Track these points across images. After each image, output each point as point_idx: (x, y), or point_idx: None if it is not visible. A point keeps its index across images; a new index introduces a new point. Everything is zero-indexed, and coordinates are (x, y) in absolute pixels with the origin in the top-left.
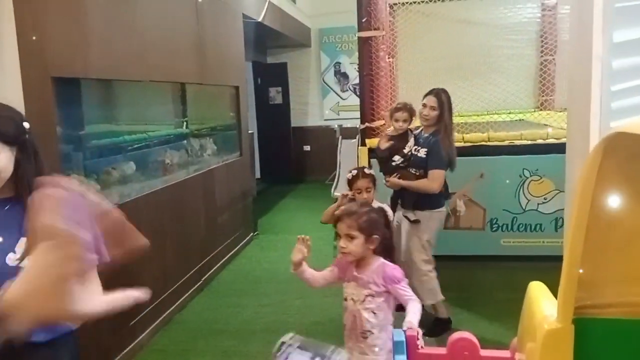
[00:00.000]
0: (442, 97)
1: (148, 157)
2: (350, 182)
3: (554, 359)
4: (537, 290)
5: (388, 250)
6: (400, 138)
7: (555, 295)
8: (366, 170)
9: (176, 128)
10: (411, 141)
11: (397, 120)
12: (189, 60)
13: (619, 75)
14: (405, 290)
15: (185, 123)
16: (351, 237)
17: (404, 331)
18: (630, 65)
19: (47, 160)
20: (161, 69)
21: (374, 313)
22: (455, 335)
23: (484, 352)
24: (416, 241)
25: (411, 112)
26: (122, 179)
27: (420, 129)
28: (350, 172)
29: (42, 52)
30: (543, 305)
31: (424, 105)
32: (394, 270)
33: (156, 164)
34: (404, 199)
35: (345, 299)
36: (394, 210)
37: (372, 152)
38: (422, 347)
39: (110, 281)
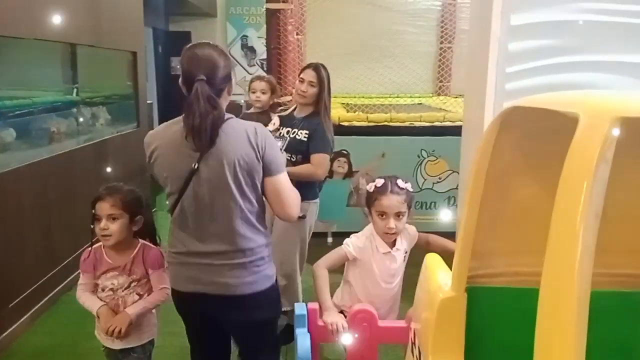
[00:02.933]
0: (322, 73)
1: (31, 125)
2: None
3: (449, 325)
4: (432, 262)
5: (150, 232)
6: (261, 116)
7: (450, 267)
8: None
9: (65, 94)
10: (275, 120)
11: (254, 92)
12: (81, 18)
13: (515, 58)
14: (162, 278)
15: (75, 89)
16: (114, 218)
17: (306, 304)
18: (526, 48)
19: None
20: (49, 27)
21: (139, 295)
22: (355, 307)
23: (382, 323)
24: (298, 237)
25: (271, 85)
26: (0, 147)
27: (292, 109)
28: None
29: None
30: (438, 275)
31: (302, 81)
32: (155, 253)
33: (41, 132)
34: None
35: (102, 290)
36: None
37: None
38: None
39: None
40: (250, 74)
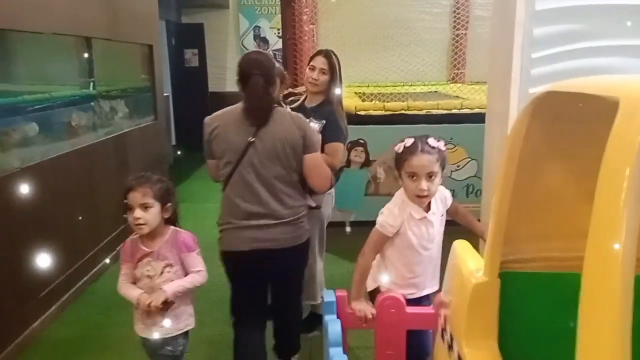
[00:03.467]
0: (332, 59)
1: (52, 119)
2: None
3: (482, 311)
4: (461, 248)
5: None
6: None
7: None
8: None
9: (83, 88)
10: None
11: None
12: (97, 12)
13: (540, 43)
14: (197, 260)
15: (92, 83)
16: (146, 207)
17: (334, 291)
18: (551, 32)
19: None
20: (66, 21)
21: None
22: (383, 294)
23: (410, 309)
24: (316, 232)
25: (281, 76)
26: (23, 141)
27: (302, 98)
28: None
29: None
30: (468, 261)
31: (312, 68)
32: (187, 236)
33: (61, 126)
34: None
35: (140, 279)
36: None
37: None
38: None
39: (15, 248)
40: None
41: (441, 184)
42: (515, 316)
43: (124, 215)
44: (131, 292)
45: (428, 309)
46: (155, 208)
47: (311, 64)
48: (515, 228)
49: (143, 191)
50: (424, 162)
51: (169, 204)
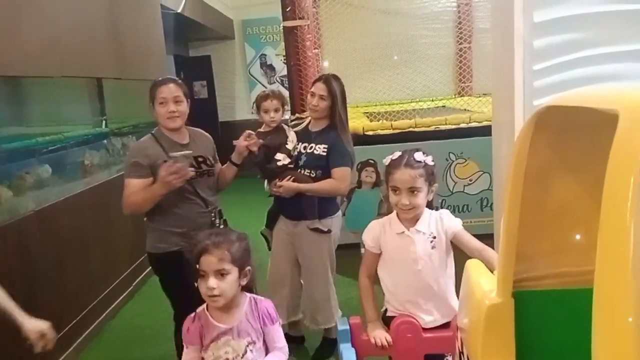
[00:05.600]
0: (332, 84)
1: (65, 159)
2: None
3: (497, 333)
4: (474, 268)
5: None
6: (275, 133)
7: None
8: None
9: (95, 127)
10: (292, 136)
11: (266, 112)
12: (105, 53)
13: (541, 55)
14: (280, 334)
15: (104, 121)
16: (222, 274)
17: (348, 318)
18: (551, 43)
19: None
20: (75, 64)
21: None
22: (398, 319)
23: (427, 334)
24: (327, 254)
25: (281, 100)
26: (37, 183)
27: (305, 123)
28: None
29: None
30: (482, 281)
31: (312, 95)
32: (268, 306)
33: (75, 166)
34: (300, 208)
35: None
36: (272, 227)
37: None
38: None
39: (32, 290)
40: None
41: (432, 201)
42: (532, 335)
43: (194, 284)
44: None
45: (446, 332)
46: (233, 275)
47: (311, 90)
48: (526, 245)
49: (219, 255)
50: (406, 177)
51: (248, 268)
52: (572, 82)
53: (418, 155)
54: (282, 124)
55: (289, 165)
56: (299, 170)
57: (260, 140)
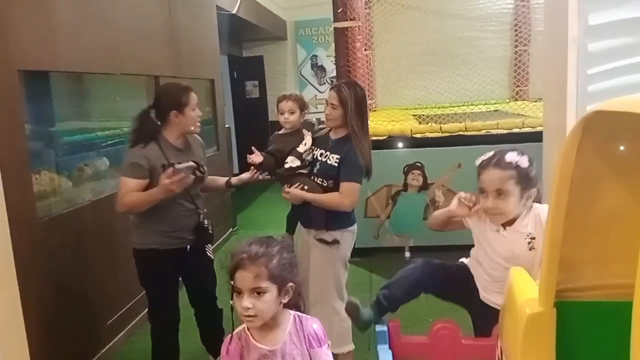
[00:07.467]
0: (343, 93)
1: (122, 154)
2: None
3: (537, 343)
4: (517, 276)
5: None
6: (293, 136)
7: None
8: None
9: None
10: (307, 140)
11: (282, 113)
12: (162, 52)
13: (595, 59)
14: (328, 357)
15: None
16: (259, 292)
17: (386, 321)
18: (606, 47)
19: (15, 158)
20: (133, 62)
21: None
22: (437, 323)
23: (466, 341)
24: (332, 269)
25: (298, 103)
26: (95, 175)
27: (326, 130)
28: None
29: (6, 44)
30: (524, 290)
31: (326, 103)
32: (315, 325)
33: None
34: (309, 216)
35: None
36: (292, 232)
37: None
38: None
39: (87, 276)
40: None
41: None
42: (573, 347)
43: (230, 301)
44: None
45: (485, 340)
46: (272, 293)
47: (326, 98)
48: (571, 253)
49: (256, 271)
50: (492, 178)
51: (290, 284)
52: (628, 87)
53: (510, 156)
54: (302, 128)
55: (301, 170)
56: (312, 177)
57: (261, 177)
